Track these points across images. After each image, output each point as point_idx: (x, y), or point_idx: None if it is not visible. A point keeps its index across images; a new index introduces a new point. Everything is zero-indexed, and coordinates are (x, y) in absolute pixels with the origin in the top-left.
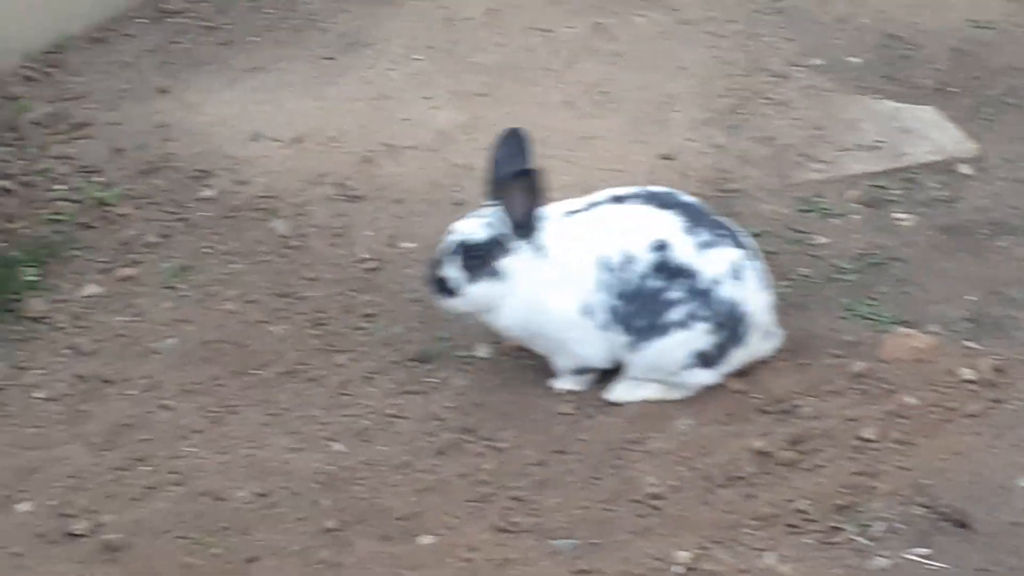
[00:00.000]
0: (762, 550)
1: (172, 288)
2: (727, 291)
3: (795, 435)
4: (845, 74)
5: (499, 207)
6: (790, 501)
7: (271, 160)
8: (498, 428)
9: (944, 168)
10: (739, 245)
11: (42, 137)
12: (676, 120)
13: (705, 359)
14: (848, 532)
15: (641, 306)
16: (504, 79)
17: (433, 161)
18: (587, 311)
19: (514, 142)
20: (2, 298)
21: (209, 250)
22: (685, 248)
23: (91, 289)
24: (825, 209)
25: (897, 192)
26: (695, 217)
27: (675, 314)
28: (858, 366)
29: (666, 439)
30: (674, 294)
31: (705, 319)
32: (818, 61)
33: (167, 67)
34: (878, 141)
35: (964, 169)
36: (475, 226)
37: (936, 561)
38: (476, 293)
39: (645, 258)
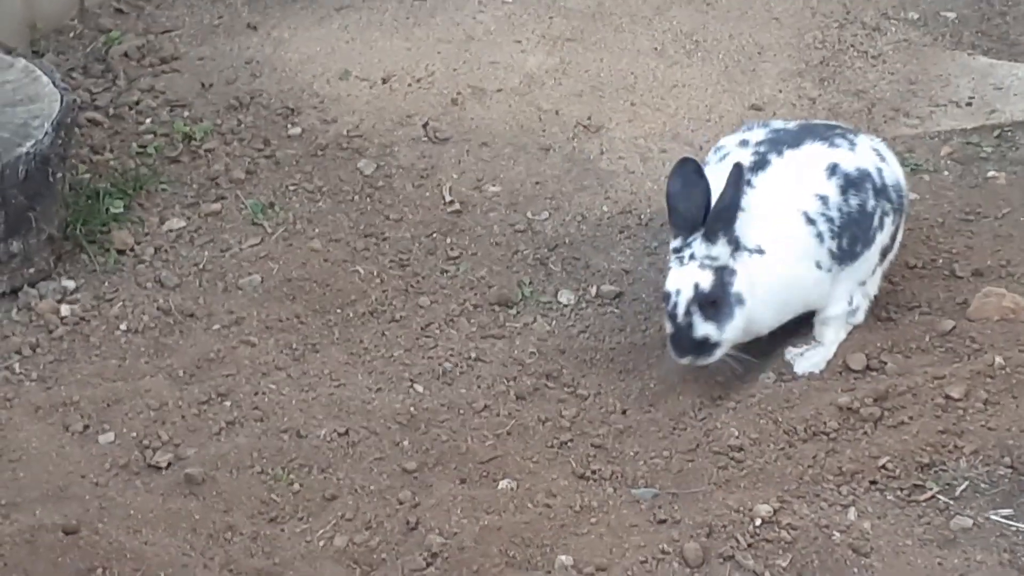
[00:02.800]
0: (843, 505)
1: (257, 225)
2: (889, 175)
3: (880, 392)
4: (940, 29)
5: (698, 237)
6: (873, 458)
7: (358, 99)
8: (580, 375)
9: None
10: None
11: (131, 70)
12: (767, 71)
13: (884, 252)
14: (931, 490)
15: (855, 230)
16: (594, 24)
17: (520, 105)
18: (820, 265)
19: (687, 171)
20: (88, 229)
21: (294, 188)
22: (848, 156)
23: (176, 223)
24: (917, 165)
25: (990, 149)
26: (814, 131)
27: (876, 220)
28: (946, 324)
29: (749, 392)
30: (870, 203)
31: (889, 212)
32: (913, 15)
33: (257, 3)
34: (972, 97)
35: None
36: (694, 275)
37: (1019, 522)
38: (735, 329)
39: (833, 187)
